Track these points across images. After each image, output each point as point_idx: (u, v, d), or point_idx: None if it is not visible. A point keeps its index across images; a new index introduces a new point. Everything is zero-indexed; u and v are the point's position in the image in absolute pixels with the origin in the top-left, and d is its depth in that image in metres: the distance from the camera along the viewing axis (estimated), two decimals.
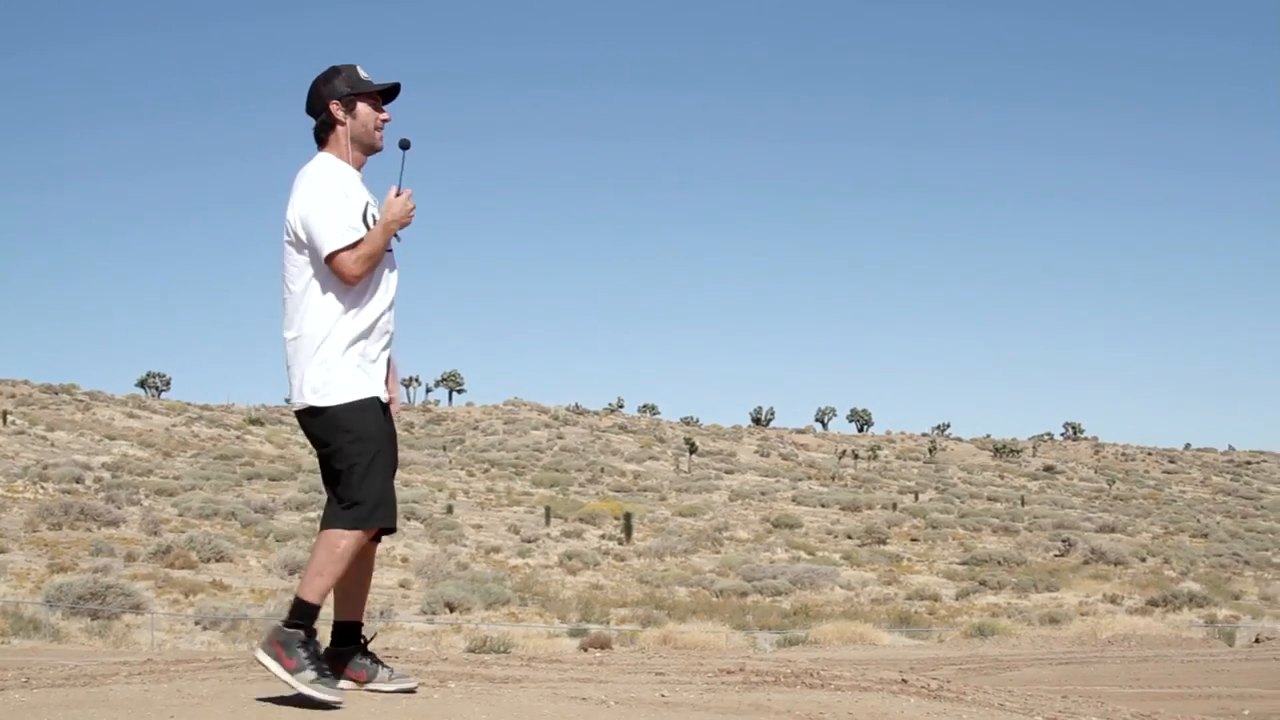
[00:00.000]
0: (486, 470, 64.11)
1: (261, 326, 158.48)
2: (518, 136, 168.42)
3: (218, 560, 35.02)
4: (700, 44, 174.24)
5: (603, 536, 47.71)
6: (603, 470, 69.65)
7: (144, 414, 71.73)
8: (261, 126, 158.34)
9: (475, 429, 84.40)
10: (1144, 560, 49.95)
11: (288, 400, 5.02)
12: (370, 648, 5.03)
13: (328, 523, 4.75)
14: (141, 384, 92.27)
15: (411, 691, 5.07)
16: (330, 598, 4.81)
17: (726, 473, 74.73)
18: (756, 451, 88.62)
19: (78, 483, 46.87)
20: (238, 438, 68.89)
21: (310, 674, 4.56)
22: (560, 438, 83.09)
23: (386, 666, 5.15)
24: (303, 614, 4.67)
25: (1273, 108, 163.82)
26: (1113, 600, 37.97)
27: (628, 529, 47.24)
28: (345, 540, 4.66)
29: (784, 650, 22.92)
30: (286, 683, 4.56)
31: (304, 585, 4.69)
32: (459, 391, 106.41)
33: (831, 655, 17.98)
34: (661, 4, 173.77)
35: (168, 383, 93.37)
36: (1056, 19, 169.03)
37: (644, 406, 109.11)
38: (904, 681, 6.07)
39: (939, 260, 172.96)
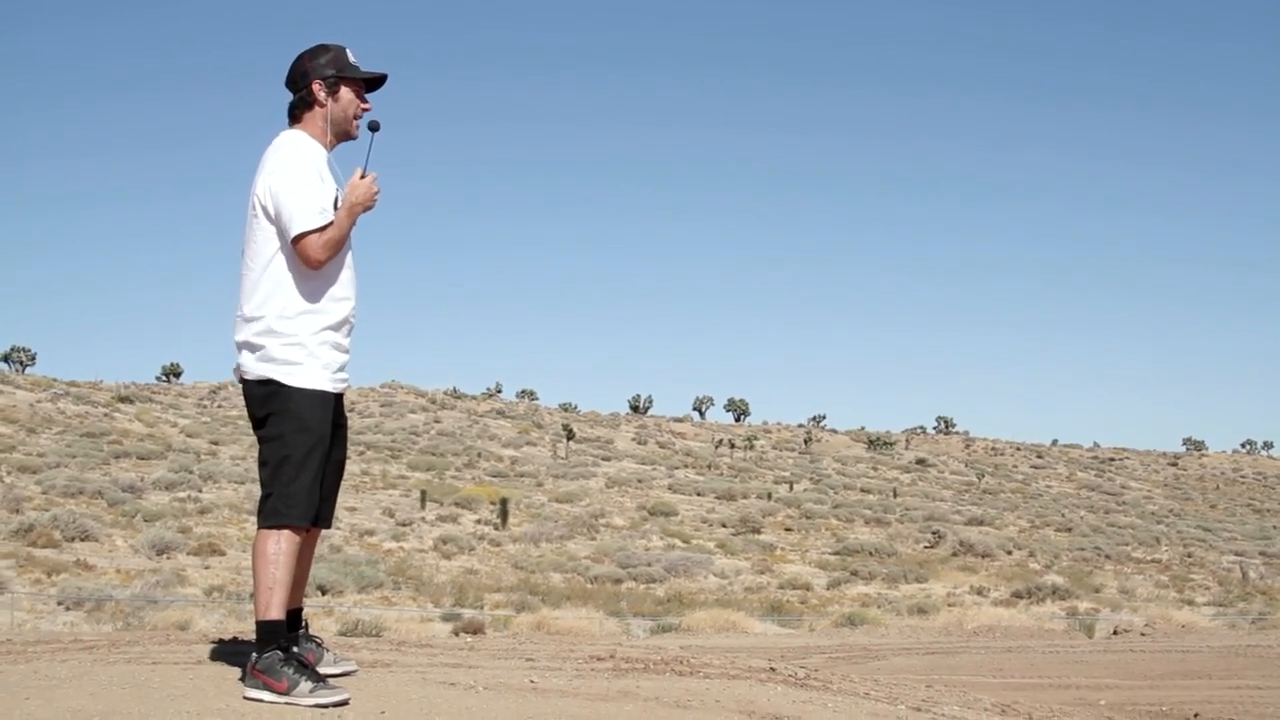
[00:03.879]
0: (362, 453, 63.30)
1: (133, 303, 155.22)
2: (391, 119, 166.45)
3: (83, 539, 34.20)
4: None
5: (478, 521, 47.47)
6: (479, 455, 69.27)
7: (7, 389, 69.62)
8: (138, 106, 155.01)
9: (351, 411, 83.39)
10: (1010, 553, 51.03)
11: (238, 371, 4.81)
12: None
13: (258, 520, 4.69)
14: (5, 358, 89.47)
15: (352, 674, 5.08)
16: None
17: (604, 460, 74.75)
18: (634, 439, 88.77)
19: None
20: (105, 415, 67.17)
21: (306, 685, 4.48)
22: (437, 421, 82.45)
23: (330, 650, 5.16)
24: (270, 634, 4.58)
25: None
26: (979, 592, 38.74)
27: (504, 514, 47.06)
28: (274, 547, 4.60)
29: (656, 637, 23.05)
30: (290, 705, 4.44)
31: (258, 607, 4.62)
32: None
33: (703, 643, 18.12)
34: None
35: (33, 357, 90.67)
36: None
37: (522, 392, 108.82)
38: (772, 670, 6.14)
39: (818, 253, 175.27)
